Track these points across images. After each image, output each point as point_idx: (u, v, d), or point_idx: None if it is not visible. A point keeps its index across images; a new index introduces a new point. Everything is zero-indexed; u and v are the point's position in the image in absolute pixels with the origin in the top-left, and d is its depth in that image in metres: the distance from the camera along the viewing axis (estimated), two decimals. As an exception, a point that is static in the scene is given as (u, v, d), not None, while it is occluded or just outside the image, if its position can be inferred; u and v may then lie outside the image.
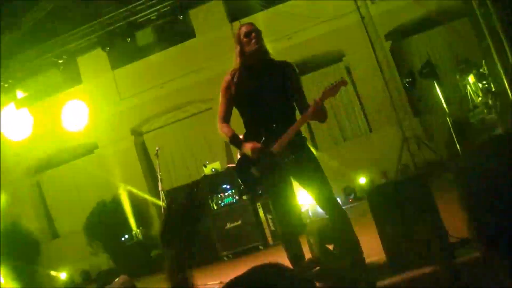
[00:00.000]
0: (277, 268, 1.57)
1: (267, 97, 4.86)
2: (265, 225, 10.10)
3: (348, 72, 13.99)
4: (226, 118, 5.13)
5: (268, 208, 10.14)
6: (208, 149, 14.79)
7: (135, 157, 15.18)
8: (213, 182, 10.71)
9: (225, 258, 10.09)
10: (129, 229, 13.66)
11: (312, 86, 13.60)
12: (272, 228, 10.05)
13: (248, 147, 4.87)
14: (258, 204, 10.12)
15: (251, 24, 5.12)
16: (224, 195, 10.42)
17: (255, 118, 4.95)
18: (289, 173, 4.94)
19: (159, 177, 8.10)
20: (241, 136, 5.14)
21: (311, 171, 4.91)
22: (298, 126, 4.77)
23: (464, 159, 1.72)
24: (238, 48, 5.02)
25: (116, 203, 14.36)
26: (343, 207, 5.30)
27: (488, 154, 1.58)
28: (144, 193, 14.42)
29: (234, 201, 10.36)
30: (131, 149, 15.21)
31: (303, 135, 5.09)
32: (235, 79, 5.03)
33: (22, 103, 14.86)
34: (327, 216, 5.00)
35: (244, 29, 5.03)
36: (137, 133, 15.46)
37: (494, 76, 8.74)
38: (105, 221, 14.10)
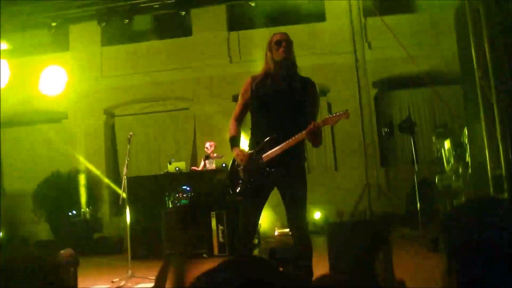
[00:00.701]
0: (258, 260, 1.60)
1: (281, 106, 4.86)
2: (214, 235, 10.08)
3: (329, 108, 14.16)
4: (238, 118, 5.13)
5: (222, 219, 10.14)
6: (176, 147, 14.77)
7: (101, 137, 15.04)
8: (174, 181, 10.69)
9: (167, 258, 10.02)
10: (77, 206, 13.51)
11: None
12: (221, 240, 10.04)
13: (235, 153, 4.91)
14: (213, 213, 10.10)
15: (284, 33, 5.15)
16: (182, 196, 10.38)
17: (263, 123, 4.93)
18: (271, 185, 4.95)
19: (126, 162, 8.02)
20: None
21: (295, 191, 4.93)
22: (292, 141, 4.77)
23: (448, 217, 1.97)
24: (268, 54, 5.04)
25: (70, 177, 14.19)
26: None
27: (468, 214, 1.79)
28: (101, 174, 14.27)
29: (189, 203, 10.34)
30: (100, 128, 15.07)
31: (304, 155, 5.09)
32: (255, 83, 5.04)
33: (3, 55, 14.62)
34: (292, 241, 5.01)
35: (276, 37, 5.06)
36: (109, 114, 15.34)
37: (475, 145, 8.96)
38: (55, 192, 13.89)
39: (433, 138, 12.08)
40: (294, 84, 4.94)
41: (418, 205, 9.82)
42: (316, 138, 4.72)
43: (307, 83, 5.02)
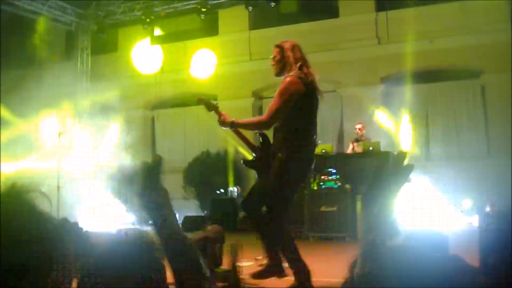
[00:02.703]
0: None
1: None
2: (359, 218, 9.95)
3: (483, 91, 13.41)
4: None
5: (367, 203, 10.00)
6: (323, 130, 14.67)
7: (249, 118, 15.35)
8: (320, 163, 10.64)
9: (310, 239, 10.06)
10: (225, 185, 13.94)
11: (440, 96, 13.24)
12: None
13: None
14: (358, 197, 9.98)
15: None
16: (327, 178, 10.34)
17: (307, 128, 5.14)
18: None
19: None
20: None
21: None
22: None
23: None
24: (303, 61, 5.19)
25: (219, 157, 14.64)
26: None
27: None
28: (250, 155, 14.55)
29: (336, 186, 10.26)
30: (248, 110, 15.41)
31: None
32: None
33: (157, 40, 15.40)
34: None
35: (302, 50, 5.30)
36: (257, 96, 15.63)
37: None
38: (204, 171, 14.42)
39: None
40: None
41: None
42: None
43: None
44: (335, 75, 14.29)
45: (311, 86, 5.09)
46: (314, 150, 5.18)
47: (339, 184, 10.22)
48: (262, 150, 5.29)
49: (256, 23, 15.34)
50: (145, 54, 14.87)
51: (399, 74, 13.27)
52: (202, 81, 14.77)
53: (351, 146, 11.85)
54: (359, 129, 11.92)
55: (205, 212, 13.90)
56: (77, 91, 14.97)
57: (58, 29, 16.56)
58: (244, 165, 5.52)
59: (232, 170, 14.20)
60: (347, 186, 10.13)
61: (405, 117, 12.98)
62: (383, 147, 11.25)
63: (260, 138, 5.31)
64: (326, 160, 10.75)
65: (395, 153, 2.69)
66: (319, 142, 11.21)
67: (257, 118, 5.42)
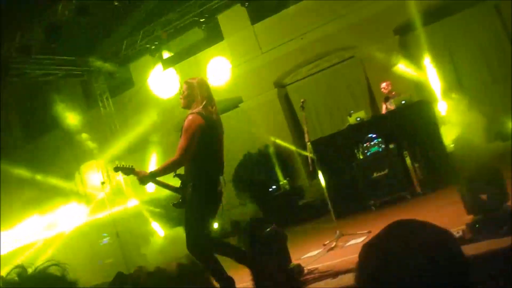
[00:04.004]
0: (419, 224, 1.50)
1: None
2: (412, 174, 9.83)
3: (498, 11, 13.06)
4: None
5: (416, 156, 9.90)
6: (352, 98, 14.59)
7: (279, 109, 15.36)
8: (359, 131, 10.56)
9: (373, 208, 9.98)
10: (275, 180, 13.96)
11: (457, 29, 13.07)
12: (420, 177, 9.78)
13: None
14: (405, 153, 9.86)
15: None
16: (370, 144, 10.25)
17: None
18: None
19: (305, 129, 8.14)
20: None
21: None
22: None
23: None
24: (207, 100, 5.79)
25: (262, 155, 14.67)
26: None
27: None
28: (289, 144, 14.57)
29: (381, 150, 10.16)
30: (275, 102, 15.39)
31: None
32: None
33: (169, 63, 15.52)
34: None
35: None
36: (280, 86, 15.58)
37: None
38: (252, 173, 14.47)
39: None
40: None
41: None
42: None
43: None
44: (350, 40, 14.09)
45: (210, 119, 5.65)
46: (220, 172, 5.82)
47: (383, 146, 10.13)
48: (183, 189, 5.74)
49: (257, 15, 15.29)
50: (161, 80, 15.01)
51: (409, 20, 13.05)
52: (222, 88, 14.82)
53: (384, 106, 11.72)
54: (386, 87, 11.80)
55: (264, 212, 13.93)
56: (107, 136, 15.20)
57: (72, 83, 16.87)
58: (175, 208, 5.94)
59: (277, 164, 14.21)
60: (391, 146, 10.03)
61: (428, 61, 12.78)
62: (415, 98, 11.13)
63: (179, 179, 5.77)
64: (363, 127, 10.65)
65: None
66: (351, 112, 11.20)
67: (169, 160, 5.67)
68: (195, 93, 5.75)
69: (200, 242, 5.54)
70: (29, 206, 16.24)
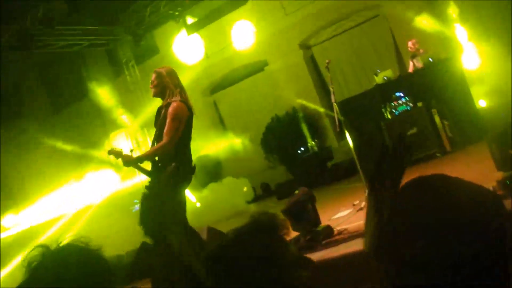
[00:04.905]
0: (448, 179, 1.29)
1: None
2: (441, 131, 9.76)
3: None
4: None
5: (445, 114, 9.80)
6: (378, 57, 14.42)
7: (305, 70, 15.26)
8: (386, 90, 10.47)
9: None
10: (304, 142, 13.97)
11: None
12: (449, 135, 9.71)
13: None
14: (434, 111, 9.77)
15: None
16: (398, 103, 10.18)
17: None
18: None
19: (331, 90, 8.11)
20: None
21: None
22: None
23: None
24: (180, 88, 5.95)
25: (289, 117, 14.65)
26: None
27: None
28: (316, 105, 14.51)
29: (409, 108, 10.09)
30: (301, 63, 15.28)
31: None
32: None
33: (193, 29, 15.49)
34: None
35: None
36: (305, 47, 15.46)
37: None
38: (280, 135, 14.49)
39: None
40: None
41: None
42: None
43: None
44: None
45: (191, 109, 5.89)
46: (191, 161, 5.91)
47: (411, 105, 10.05)
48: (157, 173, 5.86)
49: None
50: (185, 46, 15.01)
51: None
52: (247, 51, 14.78)
53: (411, 64, 11.57)
54: (412, 45, 11.62)
55: (293, 174, 13.99)
56: (134, 103, 15.29)
57: (97, 52, 16.95)
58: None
59: (305, 126, 14.19)
60: (419, 104, 9.95)
61: (453, 15, 12.51)
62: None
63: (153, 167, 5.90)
64: (391, 86, 10.56)
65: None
66: (378, 71, 11.11)
67: (158, 145, 5.78)
68: (166, 81, 5.89)
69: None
70: (59, 176, 16.50)
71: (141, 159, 5.89)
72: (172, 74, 6.00)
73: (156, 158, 5.84)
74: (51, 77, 19.29)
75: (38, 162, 17.48)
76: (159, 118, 5.90)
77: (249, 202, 13.33)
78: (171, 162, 5.53)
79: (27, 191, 17.22)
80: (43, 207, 16.32)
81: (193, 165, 5.89)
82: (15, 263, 12.77)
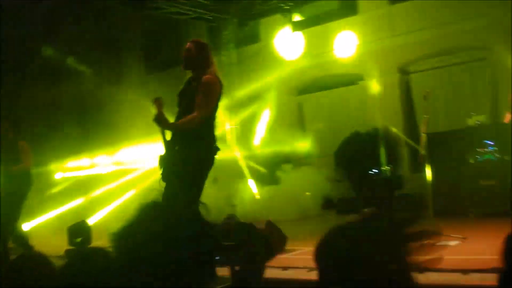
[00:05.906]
0: None
1: None
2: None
3: None
4: None
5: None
6: (474, 100, 14.09)
7: (397, 95, 15.09)
8: (476, 135, 10.23)
9: (470, 215, 9.68)
10: (378, 164, 13.80)
11: None
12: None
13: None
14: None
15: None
16: (485, 151, 9.92)
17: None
18: None
19: (425, 119, 8.02)
20: None
21: None
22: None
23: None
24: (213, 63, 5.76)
25: (370, 137, 14.47)
26: None
27: None
28: (400, 132, 14.32)
29: (494, 159, 9.82)
30: (395, 87, 15.11)
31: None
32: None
33: (298, 26, 15.57)
34: None
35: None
36: (403, 72, 15.28)
37: None
38: (355, 152, 14.35)
39: None
40: None
41: None
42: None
43: None
44: (485, 41, 13.58)
45: (222, 86, 5.70)
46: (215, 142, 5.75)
47: (498, 156, 9.78)
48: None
49: (398, -4, 14.99)
50: (287, 41, 15.11)
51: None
52: (345, 62, 14.74)
53: (508, 116, 11.22)
54: (513, 97, 11.26)
55: (358, 193, 13.85)
56: (229, 85, 15.50)
57: (199, 27, 17.21)
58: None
59: (384, 149, 14.01)
60: (507, 157, 9.66)
61: None
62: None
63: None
64: (482, 131, 10.30)
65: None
66: (472, 114, 10.85)
67: (189, 117, 5.55)
68: (205, 54, 5.71)
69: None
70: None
71: (171, 127, 5.72)
72: (208, 49, 5.82)
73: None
74: (152, 44, 19.72)
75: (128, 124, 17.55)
76: (188, 91, 5.69)
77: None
78: (193, 140, 5.52)
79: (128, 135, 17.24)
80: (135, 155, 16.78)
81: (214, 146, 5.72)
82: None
